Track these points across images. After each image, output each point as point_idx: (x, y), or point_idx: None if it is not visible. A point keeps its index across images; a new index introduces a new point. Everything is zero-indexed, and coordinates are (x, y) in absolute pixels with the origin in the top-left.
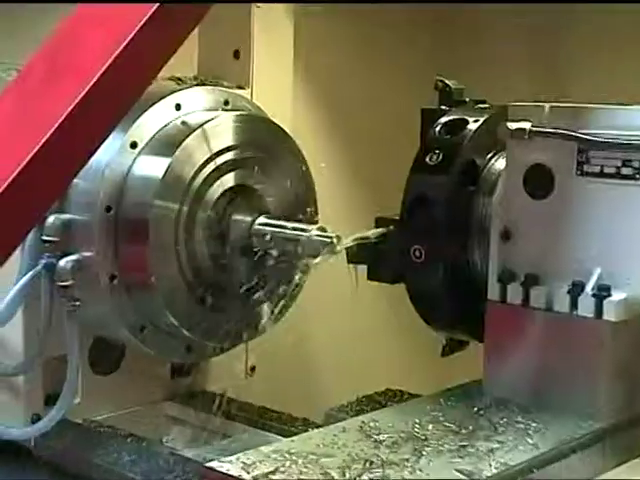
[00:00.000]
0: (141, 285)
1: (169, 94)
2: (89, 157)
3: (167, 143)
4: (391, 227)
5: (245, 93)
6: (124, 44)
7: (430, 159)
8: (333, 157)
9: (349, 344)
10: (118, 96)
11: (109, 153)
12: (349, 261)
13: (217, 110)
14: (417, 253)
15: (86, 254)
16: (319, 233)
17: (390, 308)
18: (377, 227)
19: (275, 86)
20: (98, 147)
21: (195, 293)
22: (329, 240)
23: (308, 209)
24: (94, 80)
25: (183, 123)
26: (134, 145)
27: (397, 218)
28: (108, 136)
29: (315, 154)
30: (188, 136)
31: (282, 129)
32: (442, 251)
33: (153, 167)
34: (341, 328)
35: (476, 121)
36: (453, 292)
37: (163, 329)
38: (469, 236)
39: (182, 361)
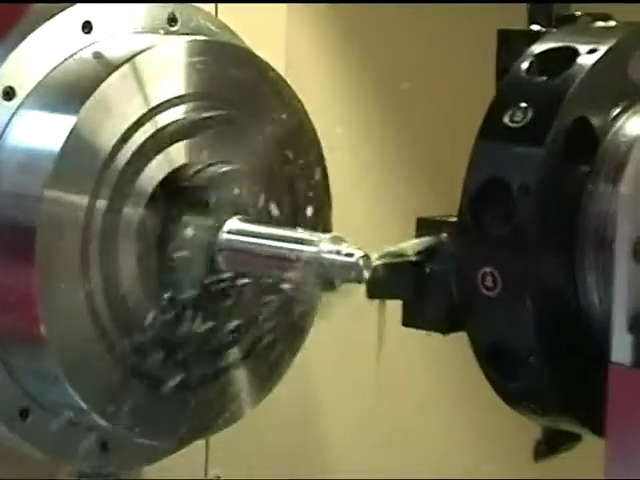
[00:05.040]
0: (22, 339)
1: (70, 5)
2: None
3: (68, 90)
4: (443, 235)
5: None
6: None
7: (512, 118)
8: (355, 118)
9: (378, 435)
10: None
11: None
12: (370, 294)
13: (157, 33)
14: (488, 281)
15: None
16: (333, 248)
17: (443, 373)
18: (419, 236)
19: None
20: None
21: (117, 353)
22: (351, 259)
23: (314, 207)
24: None
25: (97, 56)
26: (9, 94)
27: (453, 220)
28: None
29: (326, 112)
30: (106, 78)
31: (269, 67)
32: (531, 277)
33: (44, 132)
34: (365, 406)
35: (592, 51)
36: (550, 348)
37: (61, 415)
38: (578, 252)
39: (94, 469)
